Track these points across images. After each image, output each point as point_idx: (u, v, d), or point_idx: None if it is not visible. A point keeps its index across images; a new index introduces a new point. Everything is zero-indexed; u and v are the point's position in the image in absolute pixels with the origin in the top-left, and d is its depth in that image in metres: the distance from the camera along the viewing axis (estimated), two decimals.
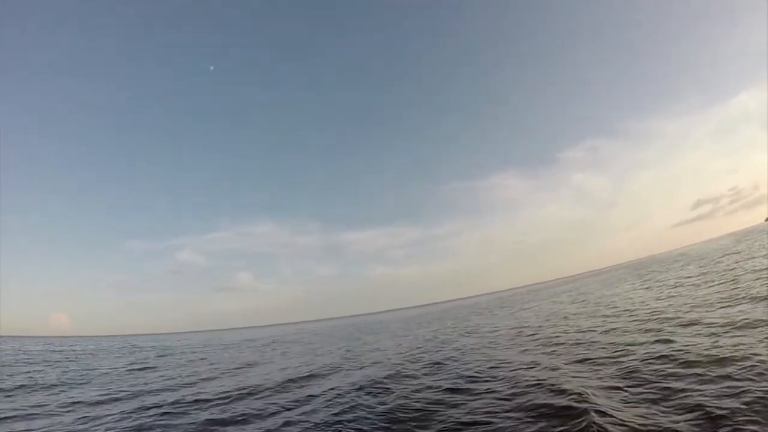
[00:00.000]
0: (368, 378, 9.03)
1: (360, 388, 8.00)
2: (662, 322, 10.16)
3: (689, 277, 20.87)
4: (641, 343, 8.33)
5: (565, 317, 16.28)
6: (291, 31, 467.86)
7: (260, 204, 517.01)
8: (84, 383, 12.59)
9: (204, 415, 7.27)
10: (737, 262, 21.43)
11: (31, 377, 13.91)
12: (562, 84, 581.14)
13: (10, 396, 10.46)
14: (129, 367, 16.89)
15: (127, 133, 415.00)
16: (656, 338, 8.53)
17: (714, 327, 8.45)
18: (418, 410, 6.22)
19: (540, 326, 14.83)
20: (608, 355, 7.94)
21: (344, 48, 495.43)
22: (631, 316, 12.66)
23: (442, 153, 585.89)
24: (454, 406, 6.25)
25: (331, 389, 8.32)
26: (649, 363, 6.82)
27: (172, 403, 8.37)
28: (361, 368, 10.89)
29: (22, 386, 11.95)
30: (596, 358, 7.87)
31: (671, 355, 6.98)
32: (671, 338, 8.19)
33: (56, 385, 12.08)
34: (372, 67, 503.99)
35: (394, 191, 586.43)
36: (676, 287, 17.77)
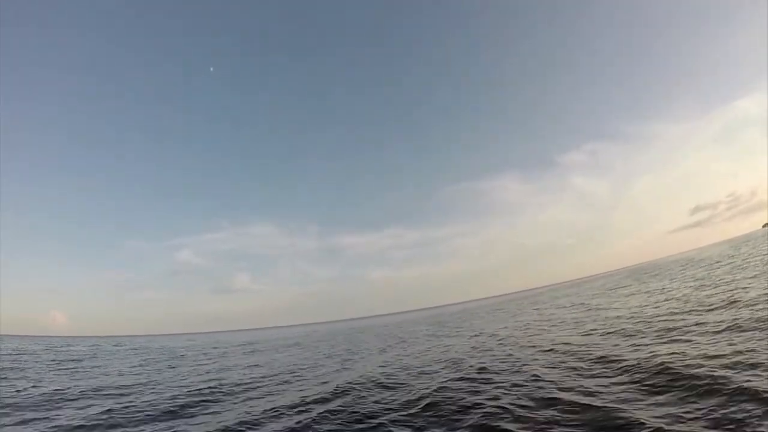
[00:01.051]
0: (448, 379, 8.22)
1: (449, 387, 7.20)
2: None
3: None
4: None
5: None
6: (291, 33, 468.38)
7: (259, 205, 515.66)
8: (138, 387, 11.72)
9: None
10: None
11: (57, 384, 13.00)
12: (562, 86, 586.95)
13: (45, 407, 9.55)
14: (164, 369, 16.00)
15: (128, 133, 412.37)
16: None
17: None
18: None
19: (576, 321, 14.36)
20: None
21: (344, 50, 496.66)
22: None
23: (442, 155, 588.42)
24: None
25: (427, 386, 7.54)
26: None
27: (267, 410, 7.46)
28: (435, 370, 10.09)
29: (57, 390, 11.05)
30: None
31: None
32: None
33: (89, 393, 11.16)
34: (372, 69, 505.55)
35: (393, 193, 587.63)
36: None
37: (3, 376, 13.69)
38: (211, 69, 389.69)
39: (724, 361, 6.02)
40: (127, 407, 8.32)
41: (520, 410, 5.51)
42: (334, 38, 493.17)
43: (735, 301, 11.08)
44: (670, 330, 9.40)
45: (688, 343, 7.68)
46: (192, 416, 7.57)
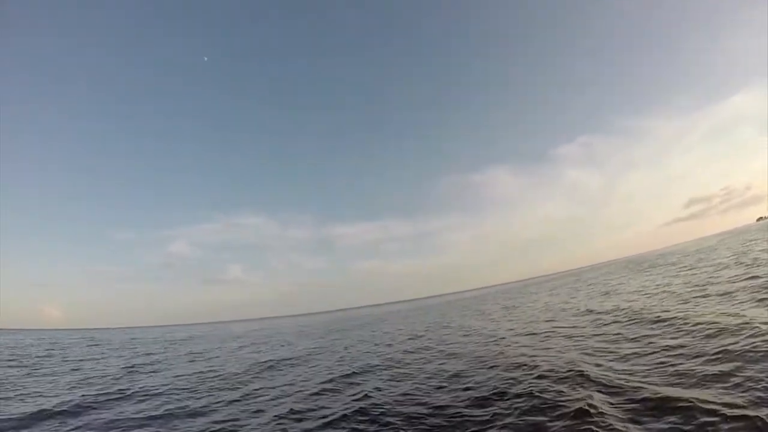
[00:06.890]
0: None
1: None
2: None
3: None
4: None
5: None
6: (288, 24, 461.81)
7: (251, 196, 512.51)
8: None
9: None
10: None
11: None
12: (557, 80, 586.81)
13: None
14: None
15: (120, 124, 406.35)
16: None
17: None
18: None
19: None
20: None
21: (338, 42, 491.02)
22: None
23: (436, 147, 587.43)
24: None
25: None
26: None
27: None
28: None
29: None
30: None
31: None
32: None
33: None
34: (366, 62, 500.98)
35: (386, 185, 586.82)
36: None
37: None
38: (205, 59, 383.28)
39: None
40: None
41: None
42: (328, 31, 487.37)
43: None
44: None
45: None
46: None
